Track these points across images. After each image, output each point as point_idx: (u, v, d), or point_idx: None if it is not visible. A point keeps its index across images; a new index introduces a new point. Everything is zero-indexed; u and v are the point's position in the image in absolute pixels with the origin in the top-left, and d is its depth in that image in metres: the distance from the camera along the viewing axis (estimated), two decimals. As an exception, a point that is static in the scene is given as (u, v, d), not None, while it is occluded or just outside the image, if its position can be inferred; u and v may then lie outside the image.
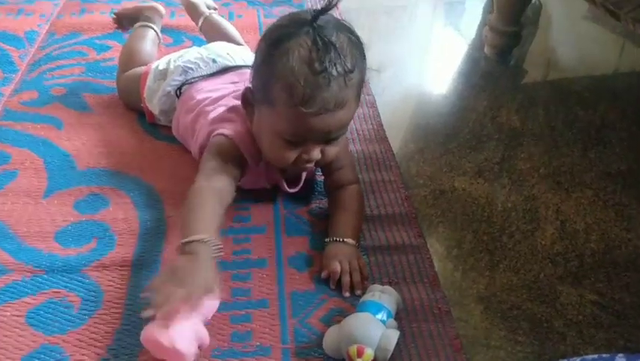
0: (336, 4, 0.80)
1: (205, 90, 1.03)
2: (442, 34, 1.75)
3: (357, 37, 0.82)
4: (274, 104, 0.80)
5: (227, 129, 0.89)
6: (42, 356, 0.74)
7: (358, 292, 0.83)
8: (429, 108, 1.35)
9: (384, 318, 0.75)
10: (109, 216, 0.94)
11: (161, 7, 1.35)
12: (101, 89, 1.25)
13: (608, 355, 0.61)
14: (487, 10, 1.77)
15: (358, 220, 0.93)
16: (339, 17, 0.85)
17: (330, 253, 0.86)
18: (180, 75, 1.07)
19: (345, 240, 0.88)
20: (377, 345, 0.72)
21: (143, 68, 1.14)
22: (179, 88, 1.06)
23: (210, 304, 0.75)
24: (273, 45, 0.79)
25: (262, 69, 0.82)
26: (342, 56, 0.78)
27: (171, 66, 1.09)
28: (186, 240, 0.74)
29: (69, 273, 0.84)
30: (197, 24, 1.36)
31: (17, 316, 0.78)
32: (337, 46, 0.77)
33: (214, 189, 0.83)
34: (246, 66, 1.09)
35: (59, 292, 0.82)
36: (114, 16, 1.38)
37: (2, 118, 1.15)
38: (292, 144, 0.83)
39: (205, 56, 1.09)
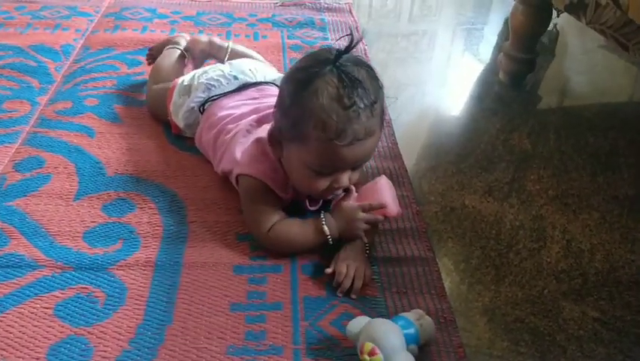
0: (356, 45, 0.87)
1: (226, 107, 1.09)
2: (459, 58, 1.81)
3: (374, 71, 0.89)
4: (306, 140, 0.86)
5: (253, 169, 0.95)
6: (68, 346, 0.79)
7: (354, 296, 0.88)
8: (442, 129, 1.39)
9: (410, 339, 0.77)
10: (134, 220, 1.00)
11: (187, 35, 1.41)
12: (131, 102, 1.32)
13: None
14: (502, 36, 1.82)
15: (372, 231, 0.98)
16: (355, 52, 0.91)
17: (342, 255, 0.91)
18: (204, 92, 1.13)
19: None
20: (389, 359, 0.74)
21: (170, 83, 1.21)
22: (203, 105, 1.12)
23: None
24: (301, 86, 0.85)
25: (292, 109, 0.87)
26: (365, 90, 0.85)
27: (195, 82, 1.16)
28: (327, 236, 0.92)
29: (96, 271, 0.90)
30: (223, 60, 1.33)
31: (46, 308, 0.84)
32: (360, 79, 0.85)
33: (283, 222, 0.94)
34: (266, 82, 1.15)
35: (86, 288, 0.87)
36: (148, 53, 1.41)
37: (38, 125, 1.22)
38: (323, 175, 0.90)
39: (227, 73, 1.16)
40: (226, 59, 1.33)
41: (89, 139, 1.19)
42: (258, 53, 1.35)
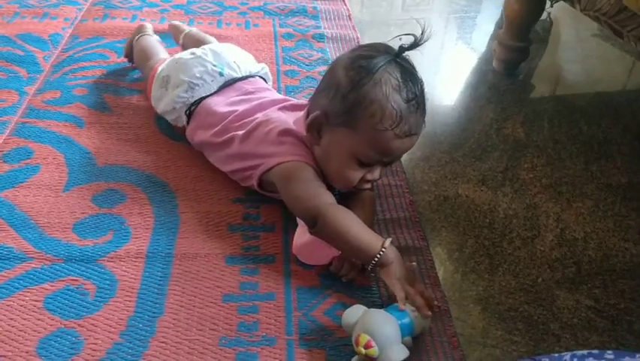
0: (422, 44, 0.87)
1: (224, 104, 1.06)
2: (453, 47, 1.80)
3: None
4: (360, 127, 0.86)
5: (291, 155, 0.91)
6: (58, 339, 0.78)
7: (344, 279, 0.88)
8: (436, 118, 1.38)
9: (406, 329, 0.76)
10: (125, 211, 0.98)
11: (148, 24, 1.39)
12: (121, 91, 1.30)
13: (597, 351, 0.64)
14: (498, 25, 1.81)
15: (370, 221, 0.97)
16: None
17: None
18: (187, 92, 1.09)
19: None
20: (384, 351, 0.74)
21: (153, 64, 1.20)
22: (189, 108, 1.09)
23: None
24: (364, 73, 0.85)
25: (351, 95, 0.86)
26: (421, 88, 0.87)
27: (174, 75, 1.11)
28: (382, 251, 0.82)
29: (86, 262, 0.89)
30: (178, 41, 1.39)
31: (36, 301, 0.83)
32: (420, 78, 0.87)
33: (337, 205, 0.87)
34: (252, 76, 1.14)
35: (76, 280, 0.86)
36: (126, 57, 1.38)
37: (26, 116, 1.20)
38: (362, 165, 0.89)
39: (210, 69, 1.10)
40: (180, 41, 1.36)
41: (79, 129, 1.17)
42: (250, 41, 1.34)
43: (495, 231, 1.03)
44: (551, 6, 1.57)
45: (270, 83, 1.23)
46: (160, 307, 0.83)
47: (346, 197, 0.99)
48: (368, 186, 0.94)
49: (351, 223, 0.85)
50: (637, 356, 0.62)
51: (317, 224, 0.85)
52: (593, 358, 0.64)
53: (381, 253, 0.82)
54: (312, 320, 0.82)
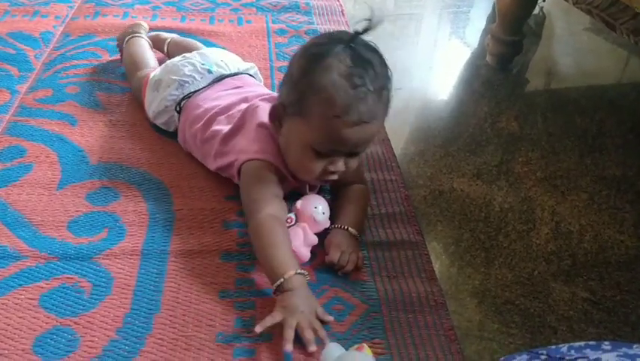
0: (374, 28, 0.86)
1: (210, 98, 1.07)
2: (446, 42, 1.80)
3: (384, 59, 0.88)
4: (310, 115, 0.84)
5: (260, 153, 0.92)
6: (54, 336, 0.77)
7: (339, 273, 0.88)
8: (430, 113, 1.38)
9: None
10: (119, 208, 0.98)
11: (144, 23, 1.39)
12: (114, 89, 1.29)
13: (594, 342, 0.64)
14: (491, 19, 1.81)
15: (362, 215, 0.97)
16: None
17: (333, 241, 0.90)
18: (177, 89, 1.10)
19: (349, 229, 0.91)
20: None
21: (144, 75, 1.19)
22: (179, 103, 1.09)
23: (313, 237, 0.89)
24: (314, 60, 0.84)
25: (301, 83, 0.86)
26: (376, 74, 0.84)
27: (165, 77, 1.12)
28: (285, 277, 0.79)
29: (81, 260, 0.88)
30: (163, 50, 1.36)
31: (31, 299, 0.82)
32: (373, 62, 0.84)
33: (278, 219, 0.87)
34: (242, 73, 1.14)
35: (72, 278, 0.85)
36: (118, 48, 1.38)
37: (18, 114, 1.19)
38: (320, 156, 0.87)
39: (199, 67, 1.11)
40: (165, 49, 1.33)
41: (71, 127, 1.16)
42: (242, 38, 1.33)
43: (490, 224, 1.03)
44: (544, 0, 1.58)
45: (261, 82, 1.23)
46: (156, 304, 0.82)
47: (338, 191, 0.99)
48: (333, 177, 0.91)
49: (276, 241, 0.83)
50: (634, 346, 0.62)
51: (249, 227, 0.87)
52: (590, 349, 0.64)
53: (283, 279, 0.79)
54: (309, 315, 0.82)
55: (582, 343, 0.65)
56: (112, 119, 1.20)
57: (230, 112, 1.02)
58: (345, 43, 0.84)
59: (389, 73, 0.87)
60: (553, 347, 0.68)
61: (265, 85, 1.28)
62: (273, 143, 0.93)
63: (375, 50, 0.87)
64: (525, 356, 0.65)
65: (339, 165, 0.89)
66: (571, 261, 0.97)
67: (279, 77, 1.39)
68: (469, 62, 1.63)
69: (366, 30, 0.85)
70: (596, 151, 1.24)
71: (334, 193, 1.01)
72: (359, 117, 0.83)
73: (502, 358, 0.67)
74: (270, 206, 0.87)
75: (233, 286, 0.86)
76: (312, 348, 0.75)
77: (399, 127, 1.28)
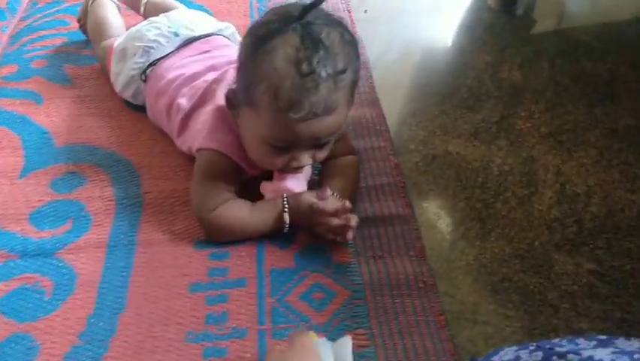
0: (327, 14, 0.74)
1: (174, 67, 0.98)
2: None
3: (351, 34, 0.76)
4: (257, 107, 0.74)
5: (214, 142, 0.83)
6: (13, 345, 0.72)
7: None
8: (425, 65, 1.28)
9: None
10: (85, 195, 0.91)
11: None
12: (83, 60, 1.21)
13: (591, 335, 0.57)
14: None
15: (354, 187, 0.89)
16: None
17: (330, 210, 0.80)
18: (142, 57, 1.01)
19: (341, 199, 0.83)
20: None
21: (110, 44, 1.09)
22: (144, 71, 1.01)
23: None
24: (258, 43, 0.73)
25: (246, 68, 0.76)
26: (332, 56, 0.72)
27: (129, 45, 1.03)
28: (284, 206, 0.80)
29: (43, 257, 0.82)
30: (139, 11, 1.23)
31: (-10, 303, 0.77)
32: (328, 44, 0.71)
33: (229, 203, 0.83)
34: (212, 34, 1.03)
35: (32, 277, 0.80)
36: (78, 22, 1.27)
37: (-19, 95, 1.12)
38: (279, 150, 0.78)
39: (165, 31, 1.02)
40: (142, 10, 1.21)
41: (37, 106, 1.09)
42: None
43: (488, 191, 0.95)
44: None
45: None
46: (121, 302, 0.76)
47: (326, 165, 0.91)
48: (300, 171, 0.83)
49: (243, 215, 0.81)
50: (633, 339, 0.54)
51: (204, 225, 0.83)
52: (584, 339, 0.58)
53: (286, 226, 0.80)
54: (286, 306, 0.76)
55: (578, 336, 0.58)
56: (80, 94, 1.12)
57: (195, 82, 0.93)
58: (295, 20, 0.72)
59: (355, 51, 0.75)
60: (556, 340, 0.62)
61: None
62: (229, 130, 0.83)
63: (336, 24, 0.74)
64: (514, 348, 0.58)
65: (304, 159, 0.79)
66: (576, 228, 0.88)
67: (260, 35, 1.28)
68: (469, 5, 1.50)
69: (316, 3, 0.73)
70: (607, 100, 1.13)
71: (324, 167, 0.92)
72: (310, 110, 0.72)
73: (492, 351, 0.60)
74: (220, 198, 0.82)
75: (206, 278, 0.80)
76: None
77: (390, 84, 1.18)
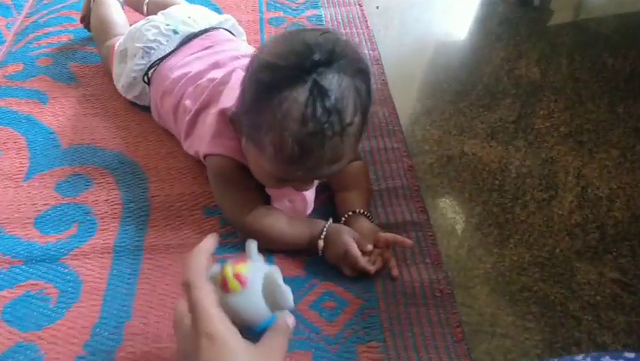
0: (339, 57, 0.68)
1: (178, 66, 0.95)
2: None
3: (366, 72, 0.70)
4: (264, 149, 0.71)
5: (220, 146, 0.80)
6: (16, 355, 0.70)
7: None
8: (440, 62, 1.24)
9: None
10: (91, 198, 0.89)
11: None
12: (89, 58, 1.18)
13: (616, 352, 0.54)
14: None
15: (369, 195, 0.87)
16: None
17: (363, 230, 0.78)
18: (143, 58, 0.98)
19: (366, 213, 0.81)
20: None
21: (112, 44, 1.07)
22: (146, 73, 0.98)
23: None
24: (265, 91, 0.69)
25: (250, 109, 0.72)
26: (342, 109, 0.67)
27: (130, 46, 1.00)
28: (322, 233, 0.78)
29: (48, 263, 0.80)
30: (142, 11, 1.20)
31: (-7, 311, 0.75)
32: (338, 96, 0.66)
33: (267, 210, 0.81)
34: (212, 28, 1.01)
35: (37, 284, 0.78)
36: (82, 21, 1.24)
37: (-15, 95, 1.10)
38: (284, 180, 0.76)
39: (164, 29, 0.99)
40: (145, 9, 1.18)
41: (42, 106, 1.07)
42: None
43: (506, 195, 0.91)
44: None
45: (244, 37, 1.10)
46: (127, 311, 0.74)
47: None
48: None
49: (280, 229, 0.79)
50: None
51: (241, 231, 0.81)
52: (610, 357, 0.55)
53: (320, 253, 0.78)
54: (296, 315, 0.73)
55: (603, 354, 0.55)
56: (86, 93, 1.10)
57: (199, 81, 0.90)
58: (305, 70, 0.66)
59: (368, 95, 0.70)
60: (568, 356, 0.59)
61: (253, 42, 1.15)
62: (233, 134, 0.80)
63: (348, 69, 0.67)
64: None
65: (307, 187, 0.78)
66: (598, 234, 0.85)
67: (269, 30, 1.26)
68: (484, -2, 1.46)
69: (330, 60, 0.66)
70: (629, 97, 1.09)
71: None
72: (314, 165, 0.70)
73: None
74: (251, 203, 0.80)
75: (214, 285, 0.77)
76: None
77: (403, 81, 1.14)
